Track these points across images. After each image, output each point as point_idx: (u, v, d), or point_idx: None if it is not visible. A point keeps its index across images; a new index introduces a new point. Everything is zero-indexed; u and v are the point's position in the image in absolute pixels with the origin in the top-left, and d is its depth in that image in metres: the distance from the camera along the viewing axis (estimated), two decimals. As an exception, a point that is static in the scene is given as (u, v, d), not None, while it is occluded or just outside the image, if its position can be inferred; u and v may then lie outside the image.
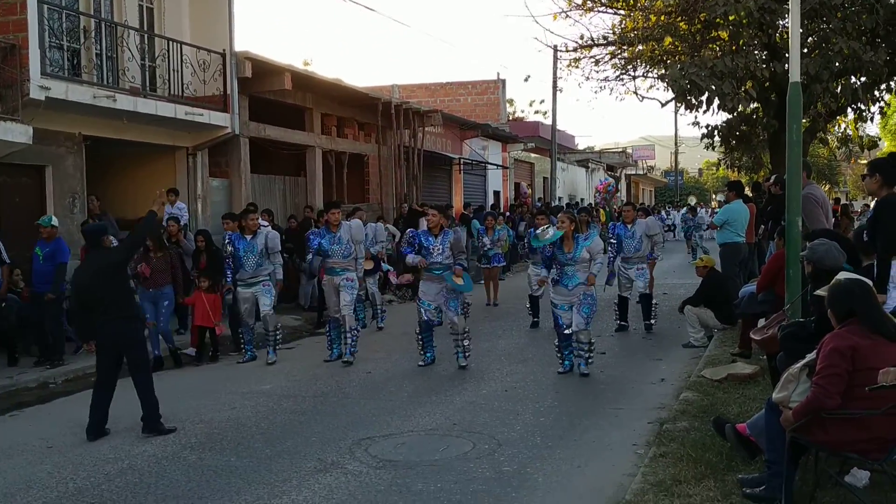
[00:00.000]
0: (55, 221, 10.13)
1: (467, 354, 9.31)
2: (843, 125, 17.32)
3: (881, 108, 15.66)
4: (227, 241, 10.18)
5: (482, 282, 15.51)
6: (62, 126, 11.66)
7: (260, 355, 10.26)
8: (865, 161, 44.13)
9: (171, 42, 13.30)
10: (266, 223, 11.07)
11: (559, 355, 8.85)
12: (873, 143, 19.27)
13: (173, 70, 13.29)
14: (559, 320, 8.72)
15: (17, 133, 10.07)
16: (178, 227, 11.42)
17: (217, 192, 15.17)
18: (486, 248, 14.94)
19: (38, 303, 9.92)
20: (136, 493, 5.49)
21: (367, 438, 6.52)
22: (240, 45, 14.63)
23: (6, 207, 11.14)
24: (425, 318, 9.34)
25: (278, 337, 10.27)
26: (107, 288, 6.85)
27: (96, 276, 6.89)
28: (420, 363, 9.41)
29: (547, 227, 8.94)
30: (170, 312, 10.24)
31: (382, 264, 13.26)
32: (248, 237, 10.03)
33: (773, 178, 11.04)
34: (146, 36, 13.51)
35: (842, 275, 4.81)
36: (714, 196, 44.96)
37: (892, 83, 14.57)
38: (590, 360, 8.67)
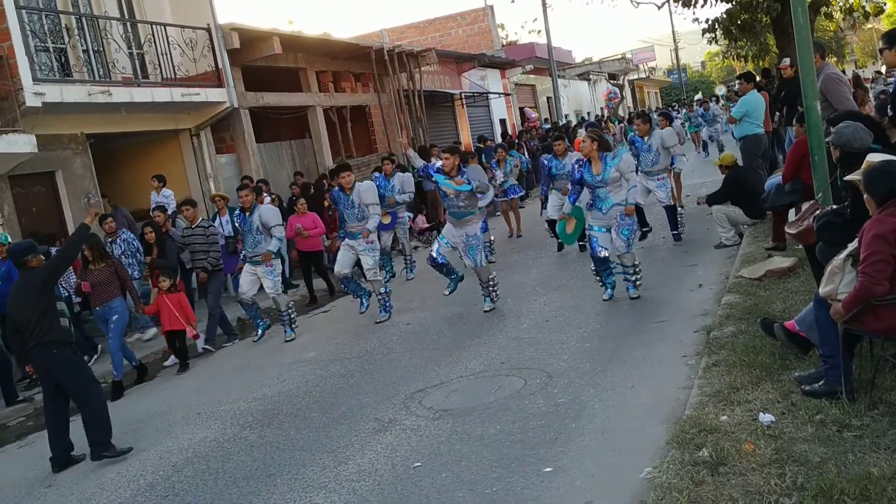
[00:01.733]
0: (4, 237, 9.47)
1: (494, 299, 9.07)
2: (845, -5, 16.87)
3: (883, -30, 15.21)
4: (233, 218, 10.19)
5: (499, 214, 15.43)
6: (64, 129, 11.64)
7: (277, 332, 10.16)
8: (870, 27, 42.86)
9: (154, 26, 13.12)
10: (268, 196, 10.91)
11: (598, 281, 8.51)
12: (879, 10, 18.74)
13: (162, 54, 13.14)
14: (594, 243, 8.29)
15: (22, 143, 10.07)
16: (165, 216, 10.93)
17: (227, 168, 15.15)
18: (500, 181, 14.80)
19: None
20: (206, 480, 5.58)
21: (419, 391, 6.56)
22: (222, 18, 14.44)
23: (25, 218, 11.19)
24: (433, 251, 9.20)
25: (293, 315, 9.99)
26: (31, 311, 6.48)
27: (19, 298, 6.60)
28: (446, 292, 9.47)
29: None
30: (121, 329, 9.05)
31: (406, 213, 13.13)
32: (247, 214, 9.74)
33: (785, 60, 10.77)
34: (129, 24, 13.33)
35: (873, 156, 4.71)
36: (716, 87, 43.74)
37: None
38: (638, 283, 8.31)
